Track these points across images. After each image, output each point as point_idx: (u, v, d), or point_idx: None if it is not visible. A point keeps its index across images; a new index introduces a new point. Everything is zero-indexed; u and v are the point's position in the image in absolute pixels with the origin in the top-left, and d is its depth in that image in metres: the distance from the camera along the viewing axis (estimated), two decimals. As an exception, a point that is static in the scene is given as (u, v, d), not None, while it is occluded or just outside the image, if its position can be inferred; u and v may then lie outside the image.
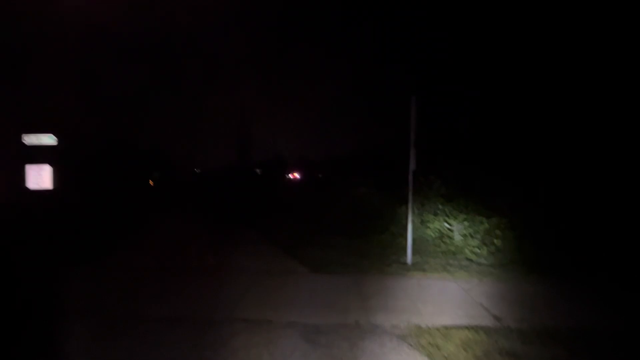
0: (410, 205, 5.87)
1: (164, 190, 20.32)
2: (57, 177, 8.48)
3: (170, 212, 12.43)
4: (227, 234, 8.33)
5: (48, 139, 8.23)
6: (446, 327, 3.32)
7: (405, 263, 5.54)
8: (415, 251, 5.92)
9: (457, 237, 6.40)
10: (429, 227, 7.01)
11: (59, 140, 8.77)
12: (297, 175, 33.68)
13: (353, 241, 7.06)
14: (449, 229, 6.60)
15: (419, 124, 5.78)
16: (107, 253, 6.08)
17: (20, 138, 8.10)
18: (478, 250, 5.96)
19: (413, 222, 6.09)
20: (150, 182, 20.91)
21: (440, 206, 7.20)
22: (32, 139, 8.15)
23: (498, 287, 4.53)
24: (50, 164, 8.38)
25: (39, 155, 8.11)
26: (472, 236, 6.29)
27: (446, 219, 6.85)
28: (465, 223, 6.47)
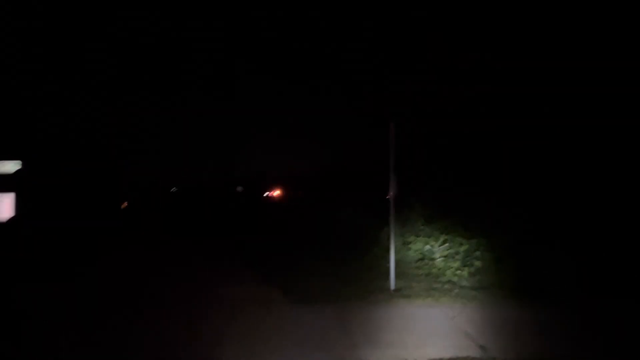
0: (392, 228, 5.87)
1: (137, 213, 19.50)
2: (21, 204, 7.94)
3: (142, 236, 11.88)
4: (203, 257, 8.02)
5: (13, 166, 7.72)
6: (433, 361, 3.25)
7: (388, 289, 5.48)
8: (398, 274, 5.87)
9: (439, 259, 6.44)
10: (410, 249, 7.03)
11: (25, 165, 8.26)
12: (278, 192, 33.32)
13: (335, 265, 6.95)
14: (430, 251, 6.64)
15: (400, 145, 5.87)
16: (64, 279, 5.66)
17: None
18: (459, 272, 6.01)
19: (395, 244, 6.10)
20: (124, 204, 20.01)
21: (421, 227, 7.27)
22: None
23: (482, 313, 4.54)
24: (15, 191, 7.85)
25: (2, 183, 7.58)
26: (453, 258, 6.35)
27: (427, 240, 6.91)
28: (446, 244, 6.54)
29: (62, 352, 3.50)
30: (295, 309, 4.71)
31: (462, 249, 6.30)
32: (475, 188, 7.16)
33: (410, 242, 7.07)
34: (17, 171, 7.79)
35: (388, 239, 5.97)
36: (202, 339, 3.76)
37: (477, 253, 6.14)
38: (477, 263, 6.00)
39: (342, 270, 6.61)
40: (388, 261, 5.82)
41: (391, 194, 5.76)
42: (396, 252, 6.15)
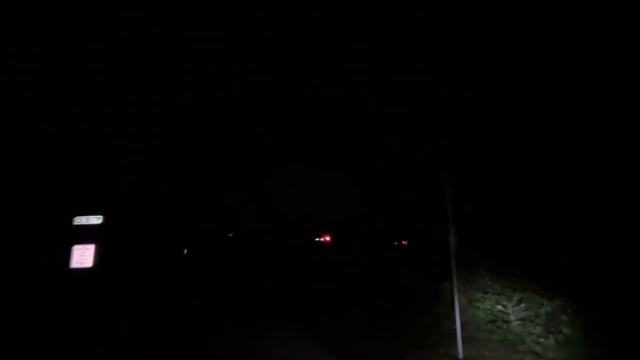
0: (455, 282, 5.30)
1: (197, 259, 20.46)
2: (100, 254, 8.82)
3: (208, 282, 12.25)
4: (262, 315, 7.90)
5: (96, 219, 8.77)
6: None
7: (456, 357, 4.81)
8: (465, 339, 5.17)
9: (515, 322, 5.57)
10: (478, 308, 6.23)
11: (104, 219, 9.31)
12: (327, 238, 32.91)
13: (391, 326, 6.36)
14: (503, 312, 5.81)
15: (457, 193, 5.50)
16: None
17: (69, 219, 8.74)
18: (543, 340, 5.10)
19: (459, 301, 5.45)
20: (185, 251, 21.26)
21: (488, 281, 6.48)
22: (81, 220, 8.74)
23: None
24: (95, 242, 8.80)
25: (85, 234, 8.60)
26: (532, 321, 5.45)
27: (498, 298, 6.08)
28: (522, 305, 5.68)
29: None
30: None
31: (543, 310, 5.40)
32: (551, 238, 6.29)
33: (477, 300, 6.29)
34: (99, 224, 8.80)
35: (450, 296, 5.38)
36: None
37: (564, 317, 5.20)
38: (566, 330, 5.06)
39: (401, 331, 6.02)
40: (453, 322, 5.19)
41: (451, 244, 5.30)
42: (461, 312, 5.48)
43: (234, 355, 5.21)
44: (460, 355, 4.84)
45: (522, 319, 5.53)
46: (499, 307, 5.81)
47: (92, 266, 8.25)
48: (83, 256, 8.29)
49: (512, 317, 5.63)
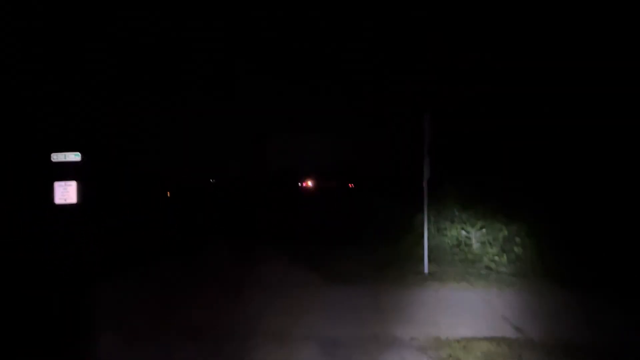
0: (425, 213, 5.84)
1: (180, 201, 20.76)
2: (81, 191, 8.86)
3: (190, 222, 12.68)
4: (243, 246, 8.44)
5: (74, 157, 8.64)
6: (466, 339, 3.27)
7: (422, 273, 5.49)
8: (432, 260, 5.87)
9: (476, 245, 6.29)
10: (445, 235, 6.91)
11: (83, 157, 9.18)
12: (309, 183, 33.82)
13: (369, 252, 7.03)
14: (466, 237, 6.50)
15: (434, 132, 5.78)
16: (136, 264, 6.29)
17: (48, 156, 8.56)
18: (497, 259, 5.84)
19: (429, 230, 6.04)
20: (168, 193, 21.44)
21: (456, 213, 7.10)
22: (59, 157, 8.58)
23: (519, 297, 4.43)
24: (76, 180, 8.77)
25: (66, 171, 8.53)
26: (490, 244, 6.17)
27: (463, 226, 6.75)
28: (483, 230, 6.36)
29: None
30: (331, 289, 4.89)
31: (501, 235, 6.09)
32: (511, 175, 6.85)
33: (445, 229, 6.95)
34: (78, 162, 8.71)
35: (422, 226, 5.95)
36: (247, 313, 4.06)
37: (517, 239, 5.92)
38: (517, 249, 5.79)
39: (377, 256, 6.68)
40: (422, 247, 5.82)
41: (425, 179, 5.71)
42: (431, 239, 6.11)
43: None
44: (426, 271, 5.53)
45: (482, 242, 6.24)
46: (464, 233, 6.48)
47: (77, 202, 8.34)
48: (66, 192, 8.32)
49: (473, 241, 6.33)
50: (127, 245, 7.47)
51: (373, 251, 7.03)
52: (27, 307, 4.22)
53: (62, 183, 8.32)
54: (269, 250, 7.64)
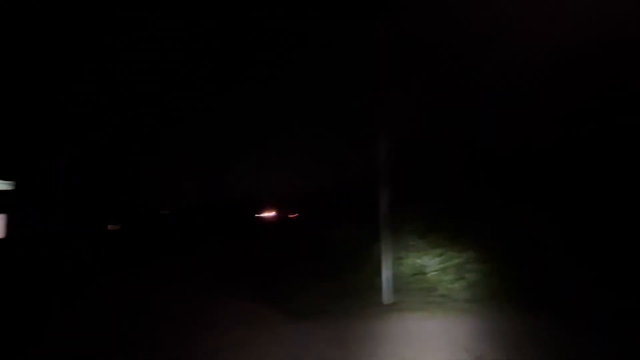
0: (382, 243, 5.91)
1: (126, 234, 19.02)
2: (12, 224, 7.69)
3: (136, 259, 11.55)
4: (193, 274, 7.83)
5: (2, 185, 7.54)
6: (429, 373, 3.21)
7: (382, 304, 5.44)
8: (392, 290, 5.86)
9: (432, 274, 6.44)
10: (402, 264, 7.03)
11: (16, 184, 8.07)
12: (268, 213, 33.10)
13: (328, 281, 6.88)
14: (422, 265, 6.65)
15: (390, 159, 5.99)
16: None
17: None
18: (452, 286, 6.02)
19: (387, 259, 6.10)
20: (108, 227, 19.54)
21: (412, 242, 7.30)
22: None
23: (475, 324, 4.53)
24: (5, 212, 7.62)
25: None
26: (445, 271, 6.37)
27: (419, 254, 6.93)
28: (439, 258, 6.57)
29: None
30: (289, 325, 4.62)
31: (455, 262, 6.33)
32: (466, 198, 7.28)
33: (402, 258, 7.08)
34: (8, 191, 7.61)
35: (379, 255, 5.99)
36: (201, 352, 3.65)
37: (468, 266, 6.18)
38: (469, 276, 6.03)
39: (335, 287, 6.54)
40: (381, 276, 5.82)
41: (381, 208, 5.84)
42: (389, 268, 6.15)
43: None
44: (385, 302, 5.49)
45: (438, 270, 6.42)
46: (419, 262, 6.63)
47: (5, 236, 7.17)
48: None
49: (429, 269, 6.48)
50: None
51: (332, 282, 6.88)
52: None
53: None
54: (221, 284, 7.15)
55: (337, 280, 6.94)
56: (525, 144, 7.39)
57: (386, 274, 5.67)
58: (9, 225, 7.12)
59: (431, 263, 6.57)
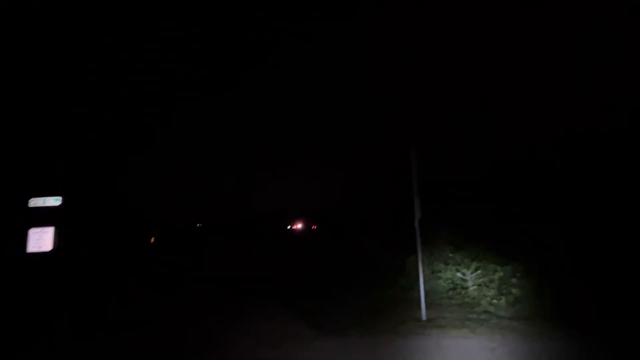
0: (419, 255, 5.70)
1: (166, 247, 19.92)
2: (59, 237, 8.38)
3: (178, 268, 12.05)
4: (230, 294, 7.98)
5: (54, 201, 8.29)
6: (475, 397, 2.99)
7: (420, 320, 5.20)
8: (429, 305, 5.61)
9: (472, 288, 6.09)
10: (440, 278, 6.72)
11: (64, 201, 8.81)
12: (300, 225, 33.35)
13: (361, 297, 6.72)
14: (462, 279, 6.31)
15: (422, 170, 5.83)
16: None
17: (26, 202, 8.18)
18: (496, 302, 5.64)
19: (424, 272, 5.86)
20: (152, 240, 20.61)
21: (450, 254, 6.98)
22: (37, 202, 8.21)
23: (524, 344, 4.18)
24: (54, 225, 8.32)
25: (43, 217, 8.12)
26: (487, 286, 6.00)
27: (458, 267, 6.59)
28: (479, 271, 6.21)
29: None
30: (326, 342, 4.53)
31: (497, 276, 5.95)
32: (506, 213, 6.87)
33: (439, 271, 6.77)
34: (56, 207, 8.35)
35: (416, 268, 5.78)
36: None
37: (514, 280, 5.77)
38: (515, 291, 5.62)
39: (370, 301, 6.37)
40: (417, 291, 5.59)
41: (416, 220, 5.65)
42: (425, 282, 5.90)
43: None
44: (424, 318, 5.25)
45: (479, 285, 6.06)
46: (459, 275, 6.30)
47: (52, 250, 7.83)
48: (41, 240, 7.84)
49: (469, 283, 6.14)
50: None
51: (366, 296, 6.71)
52: None
53: (38, 230, 7.88)
54: (254, 297, 7.22)
55: (371, 294, 6.78)
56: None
57: (423, 288, 5.43)
58: (58, 238, 7.78)
59: (470, 277, 6.23)
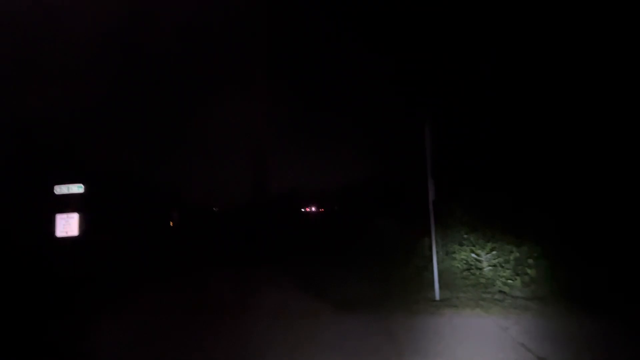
0: (433, 236, 5.71)
1: (184, 231, 20.56)
2: (84, 223, 8.79)
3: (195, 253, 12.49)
4: (249, 274, 8.24)
5: (77, 188, 8.65)
6: (488, 373, 3.06)
7: (433, 299, 5.27)
8: (442, 285, 5.66)
9: (487, 268, 6.08)
10: (455, 258, 6.71)
11: (86, 188, 9.17)
12: (313, 208, 33.60)
13: (375, 277, 6.83)
14: (477, 260, 6.30)
15: (436, 149, 5.75)
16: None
17: (51, 188, 8.58)
18: (511, 282, 5.63)
19: (437, 253, 5.87)
20: (171, 223, 21.29)
21: (465, 235, 6.94)
22: (62, 189, 8.59)
23: (539, 323, 4.20)
24: (79, 211, 8.72)
25: (68, 203, 8.52)
26: (502, 266, 5.97)
27: (473, 248, 6.57)
28: (494, 252, 6.18)
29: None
30: (341, 318, 4.67)
31: (513, 256, 5.91)
32: (522, 193, 6.70)
33: (454, 252, 6.77)
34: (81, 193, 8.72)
35: (429, 249, 5.79)
36: (252, 346, 3.86)
37: (530, 261, 5.72)
38: (531, 271, 5.59)
39: (384, 282, 6.47)
40: (431, 272, 5.63)
41: (430, 200, 5.62)
42: (439, 262, 5.93)
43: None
44: (437, 298, 5.31)
45: (494, 265, 6.04)
46: (473, 256, 6.29)
47: (79, 235, 8.26)
48: (67, 225, 8.26)
49: (484, 264, 6.13)
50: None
51: (380, 276, 6.81)
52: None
53: (64, 215, 8.29)
54: (273, 273, 7.45)
55: (385, 274, 6.87)
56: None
57: (437, 268, 5.47)
58: (82, 224, 8.19)
59: (485, 257, 6.20)
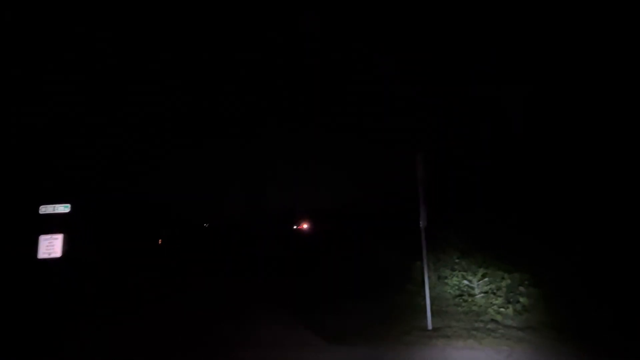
0: (425, 263, 5.65)
1: (173, 248, 20.12)
2: (69, 243, 8.51)
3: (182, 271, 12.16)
4: (237, 299, 8.01)
5: (63, 208, 8.40)
6: (481, 414, 2.95)
7: (425, 329, 5.16)
8: (435, 312, 5.58)
9: (479, 295, 6.02)
10: (447, 284, 6.66)
11: (73, 207, 8.94)
12: (305, 226, 33.39)
13: (367, 304, 6.68)
14: (469, 286, 6.25)
15: (430, 177, 5.78)
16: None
17: (36, 209, 8.32)
18: (503, 310, 5.56)
19: (430, 278, 5.80)
20: (159, 241, 20.85)
21: (456, 260, 6.91)
22: (47, 209, 8.34)
23: (533, 358, 4.12)
24: (64, 232, 8.45)
25: (53, 224, 8.26)
26: (494, 293, 5.92)
27: (464, 274, 6.53)
28: (486, 279, 6.14)
29: None
30: (330, 351, 4.53)
31: (504, 283, 5.87)
32: (511, 219, 6.76)
33: (446, 277, 6.71)
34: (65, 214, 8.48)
35: (421, 274, 5.73)
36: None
37: (522, 289, 5.69)
38: (523, 300, 5.54)
39: (376, 309, 6.33)
40: (423, 298, 5.54)
41: (422, 226, 5.60)
42: (431, 288, 5.85)
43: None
44: (429, 327, 5.21)
45: (486, 292, 5.99)
46: (465, 282, 6.24)
47: (61, 256, 7.97)
48: (51, 246, 7.98)
49: (476, 291, 6.07)
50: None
51: (372, 303, 6.67)
52: None
53: (48, 236, 8.01)
54: (260, 304, 7.23)
55: (377, 302, 6.73)
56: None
57: (429, 296, 5.39)
58: (66, 244, 7.91)
59: (477, 284, 6.16)
